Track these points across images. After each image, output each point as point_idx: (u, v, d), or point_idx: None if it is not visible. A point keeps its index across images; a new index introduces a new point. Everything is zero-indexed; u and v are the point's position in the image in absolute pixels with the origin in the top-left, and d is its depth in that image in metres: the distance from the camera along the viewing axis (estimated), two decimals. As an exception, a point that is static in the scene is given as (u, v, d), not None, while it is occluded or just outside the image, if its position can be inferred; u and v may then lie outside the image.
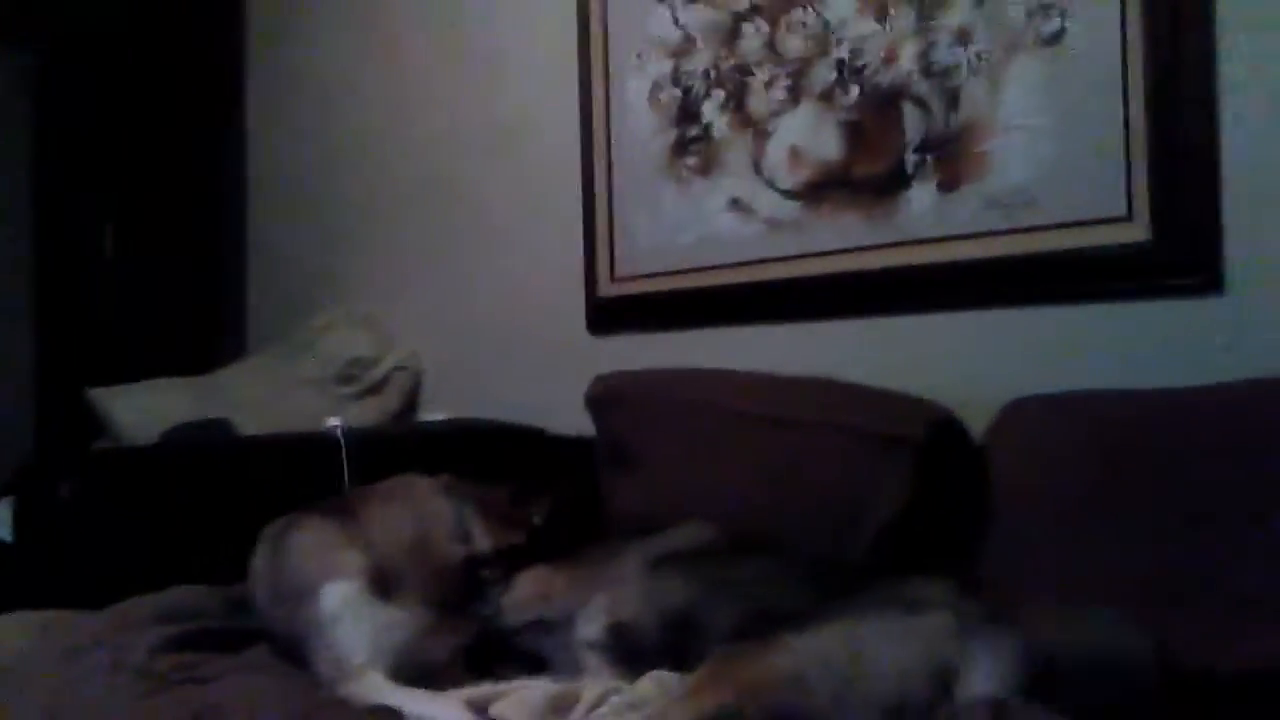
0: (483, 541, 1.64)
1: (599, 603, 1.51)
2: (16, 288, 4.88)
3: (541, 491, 1.72)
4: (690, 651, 1.39)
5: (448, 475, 1.74)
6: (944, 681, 1.12)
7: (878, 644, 1.18)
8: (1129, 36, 1.75)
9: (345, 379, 2.96)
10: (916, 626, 1.19)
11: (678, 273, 2.37)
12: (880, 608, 1.23)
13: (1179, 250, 1.71)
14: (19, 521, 1.94)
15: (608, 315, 2.52)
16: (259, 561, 1.63)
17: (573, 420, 2.25)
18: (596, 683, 1.39)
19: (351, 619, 1.47)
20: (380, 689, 1.40)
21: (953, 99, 1.95)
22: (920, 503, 1.68)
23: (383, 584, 1.52)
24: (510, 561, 1.61)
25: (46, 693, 1.53)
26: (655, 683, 1.35)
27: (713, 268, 2.31)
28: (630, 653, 1.44)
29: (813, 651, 1.19)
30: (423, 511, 1.67)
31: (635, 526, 1.72)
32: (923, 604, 1.22)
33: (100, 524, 1.86)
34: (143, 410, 2.74)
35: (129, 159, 4.36)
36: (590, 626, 1.50)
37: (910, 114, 2.00)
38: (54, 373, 4.72)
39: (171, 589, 1.73)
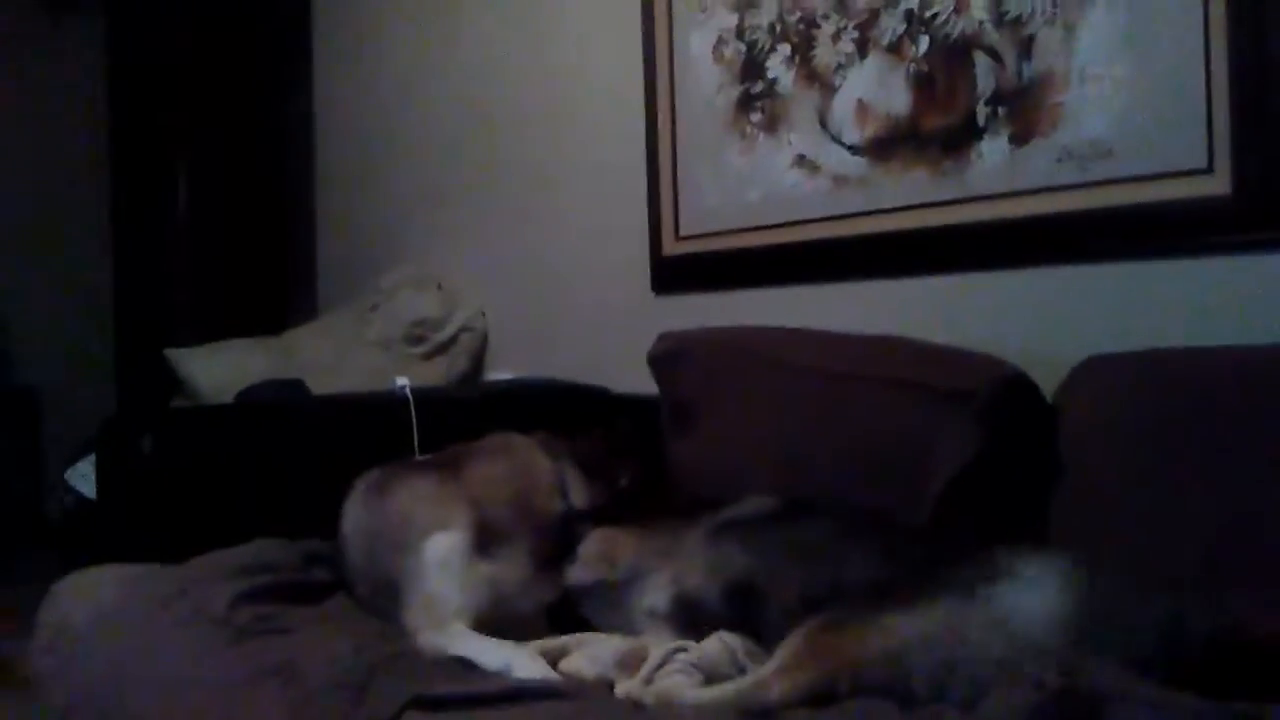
0: (578, 498, 1.66)
1: (665, 573, 1.52)
2: (99, 252, 5.02)
3: (631, 447, 1.73)
4: (754, 619, 1.39)
5: (543, 432, 1.76)
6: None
7: (978, 629, 1.16)
8: (1211, -18, 1.68)
9: (412, 339, 3.00)
10: (1018, 613, 1.17)
11: (743, 231, 2.35)
12: (982, 588, 1.20)
13: (1261, 204, 1.65)
14: (102, 478, 2.01)
15: (672, 274, 2.51)
16: (353, 509, 1.65)
17: (637, 380, 2.25)
18: (663, 641, 1.41)
19: (452, 570, 1.50)
20: (458, 639, 1.42)
21: (1026, 49, 1.89)
22: (987, 460, 1.66)
23: (485, 538, 1.55)
24: (599, 520, 1.63)
25: (130, 644, 1.58)
26: (720, 642, 1.36)
27: (778, 225, 2.28)
28: (693, 622, 1.45)
29: (914, 633, 1.18)
30: (522, 468, 1.69)
31: (702, 498, 1.72)
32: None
33: (179, 480, 1.91)
34: (218, 370, 2.82)
35: (200, 126, 4.44)
36: (656, 595, 1.51)
37: (982, 65, 1.95)
38: (133, 333, 4.86)
39: (249, 543, 1.77)
